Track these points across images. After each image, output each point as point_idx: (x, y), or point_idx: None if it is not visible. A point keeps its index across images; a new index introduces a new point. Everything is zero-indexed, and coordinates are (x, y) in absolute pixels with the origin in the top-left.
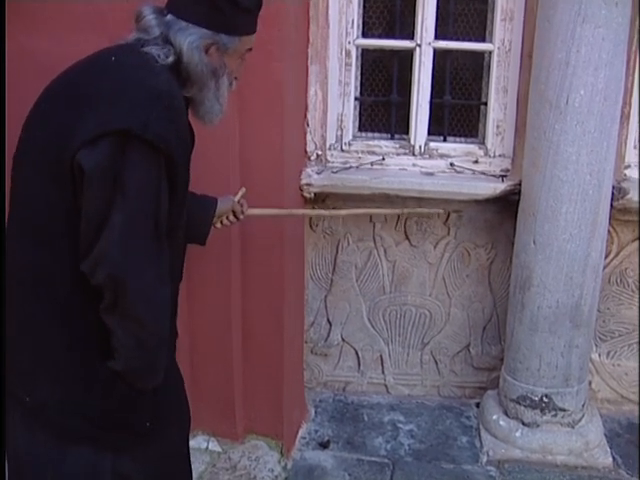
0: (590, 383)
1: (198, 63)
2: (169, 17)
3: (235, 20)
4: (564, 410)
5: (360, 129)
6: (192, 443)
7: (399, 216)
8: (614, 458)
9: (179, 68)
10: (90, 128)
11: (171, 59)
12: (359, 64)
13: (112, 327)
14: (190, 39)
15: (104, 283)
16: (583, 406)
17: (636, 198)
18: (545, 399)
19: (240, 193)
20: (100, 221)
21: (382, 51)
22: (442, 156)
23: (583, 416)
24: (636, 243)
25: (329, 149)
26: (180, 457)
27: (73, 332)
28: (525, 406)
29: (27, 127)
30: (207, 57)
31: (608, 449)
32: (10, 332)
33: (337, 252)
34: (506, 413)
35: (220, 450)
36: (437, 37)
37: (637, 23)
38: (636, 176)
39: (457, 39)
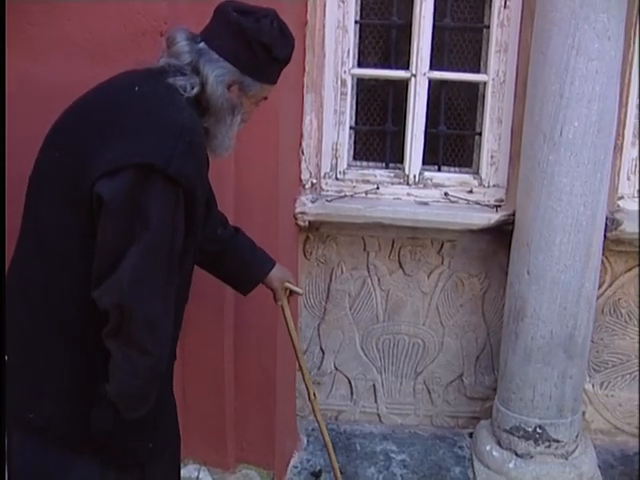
0: (584, 414)
1: (220, 97)
2: (202, 45)
3: (264, 66)
4: (558, 441)
5: (355, 158)
6: (183, 472)
7: (393, 245)
8: None
9: (201, 98)
10: (112, 159)
11: (196, 90)
12: (354, 93)
13: (112, 351)
14: (218, 72)
15: (110, 309)
16: (577, 437)
17: (629, 229)
18: (539, 430)
19: (296, 288)
20: (117, 252)
21: (377, 80)
22: (436, 186)
23: (577, 447)
24: (629, 274)
25: (324, 177)
26: None
27: (78, 351)
28: (518, 437)
29: (45, 148)
30: (228, 93)
31: None
32: (12, 350)
33: (331, 280)
34: (499, 444)
35: (211, 479)
36: (432, 67)
37: (630, 56)
38: (629, 207)
39: (452, 70)
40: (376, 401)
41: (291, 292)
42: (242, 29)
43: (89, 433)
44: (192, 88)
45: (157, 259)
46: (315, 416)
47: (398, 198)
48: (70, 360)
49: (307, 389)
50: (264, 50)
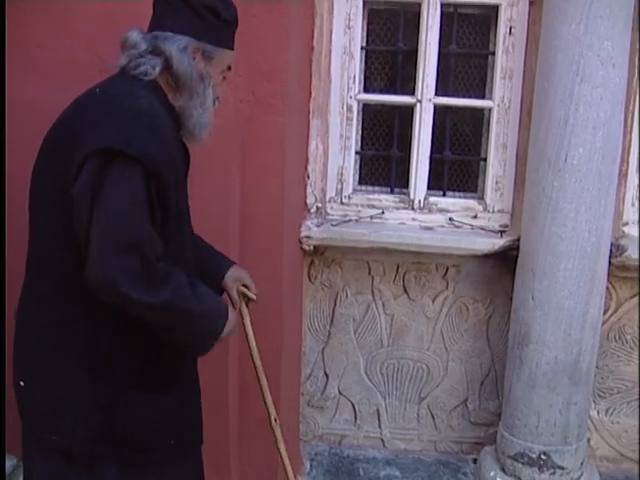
0: (589, 441)
1: (187, 66)
2: (154, 32)
3: (216, 30)
4: (562, 468)
5: (360, 183)
6: None
7: (397, 269)
8: None
9: (167, 77)
10: (78, 157)
11: (158, 69)
12: (360, 118)
13: (148, 328)
14: (178, 44)
15: (101, 292)
16: (582, 464)
17: (634, 255)
18: (543, 457)
19: (250, 293)
20: (86, 241)
21: (383, 105)
22: (441, 211)
23: (582, 474)
24: (634, 300)
25: (329, 202)
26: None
27: (92, 366)
28: (523, 463)
29: (33, 177)
30: (194, 62)
31: None
32: (28, 372)
33: (335, 304)
34: (504, 470)
35: None
36: (438, 93)
37: (634, 83)
38: (634, 233)
39: (457, 96)
40: (380, 426)
41: (249, 299)
42: (185, 1)
43: (109, 441)
44: (154, 69)
45: (122, 240)
46: (276, 446)
47: (403, 223)
48: (84, 376)
49: (267, 413)
50: (211, 13)
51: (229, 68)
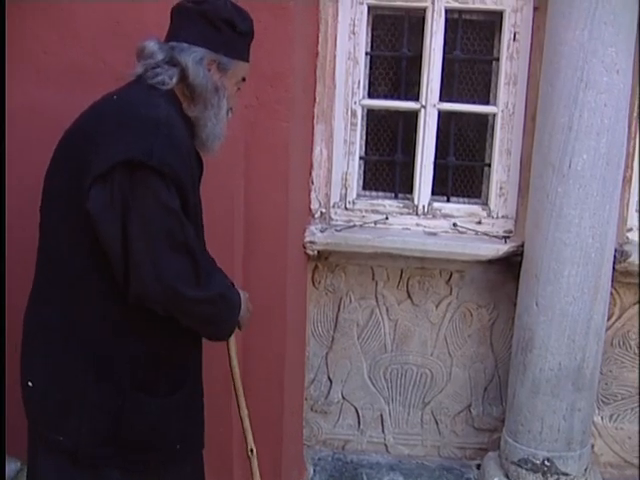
0: (593, 447)
1: (202, 78)
2: (171, 43)
3: (232, 42)
4: (566, 474)
5: (364, 188)
6: None
7: (401, 275)
8: None
9: (183, 87)
10: (96, 166)
11: (175, 79)
12: (364, 124)
13: (194, 330)
14: (194, 55)
15: (157, 303)
16: (586, 470)
17: (638, 261)
18: (547, 463)
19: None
20: (125, 255)
21: (387, 111)
22: (445, 216)
23: None
24: (639, 306)
25: (333, 207)
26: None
27: (101, 368)
28: (526, 469)
29: (47, 178)
30: (209, 74)
31: None
32: (37, 373)
33: (339, 309)
34: (507, 476)
35: None
36: (442, 99)
37: (638, 90)
38: (638, 239)
39: (461, 101)
40: (383, 431)
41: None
42: (202, 13)
43: (114, 444)
44: (171, 79)
45: (169, 246)
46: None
47: (407, 228)
48: (92, 378)
49: (245, 443)
50: (228, 25)
51: (244, 79)
